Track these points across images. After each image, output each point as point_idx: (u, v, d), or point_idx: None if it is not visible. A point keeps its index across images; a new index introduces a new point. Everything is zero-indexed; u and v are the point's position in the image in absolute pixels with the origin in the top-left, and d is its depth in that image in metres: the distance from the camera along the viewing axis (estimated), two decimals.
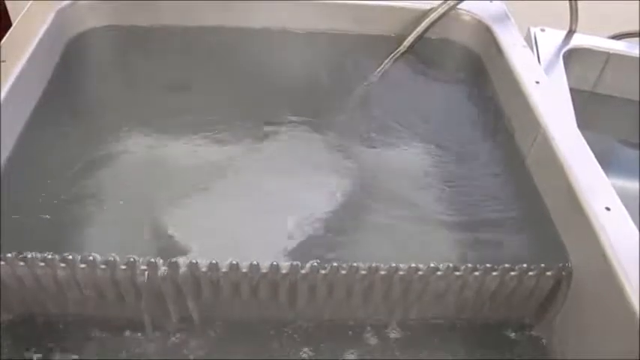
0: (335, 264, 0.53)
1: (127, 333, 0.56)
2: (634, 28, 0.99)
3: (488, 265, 0.54)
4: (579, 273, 0.54)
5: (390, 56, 0.82)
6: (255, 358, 0.56)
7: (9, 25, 0.72)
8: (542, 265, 0.55)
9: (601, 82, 0.96)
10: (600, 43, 0.95)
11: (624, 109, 0.95)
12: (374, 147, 0.68)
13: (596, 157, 0.60)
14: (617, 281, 0.49)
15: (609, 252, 0.50)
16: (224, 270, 0.52)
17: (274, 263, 0.52)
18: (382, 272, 0.53)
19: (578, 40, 0.94)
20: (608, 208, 0.54)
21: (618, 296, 0.49)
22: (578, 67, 0.93)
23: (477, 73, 0.82)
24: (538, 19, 0.97)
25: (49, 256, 0.51)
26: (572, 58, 0.92)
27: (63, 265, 0.51)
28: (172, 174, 0.62)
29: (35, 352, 0.54)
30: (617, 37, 0.99)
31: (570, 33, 0.95)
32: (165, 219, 0.56)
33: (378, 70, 0.81)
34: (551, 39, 0.93)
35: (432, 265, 0.54)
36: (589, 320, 0.53)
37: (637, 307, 0.47)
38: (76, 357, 0.54)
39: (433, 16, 0.82)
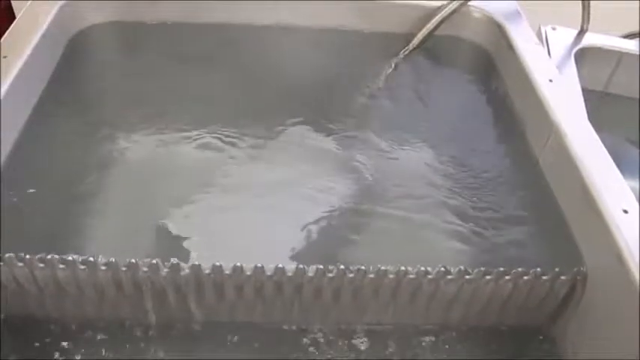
0: (342, 267, 0.51)
1: (128, 335, 0.55)
2: None
3: (500, 269, 0.53)
4: (595, 277, 0.53)
5: (400, 53, 0.81)
6: None
7: (13, 20, 0.71)
8: (557, 269, 0.53)
9: (613, 82, 0.95)
10: (612, 43, 0.94)
11: (636, 109, 0.93)
12: (382, 146, 0.66)
13: None
14: (633, 286, 0.47)
15: (626, 256, 0.49)
16: (227, 272, 0.51)
17: (279, 266, 0.51)
18: (391, 275, 0.52)
19: (590, 39, 0.93)
20: (625, 211, 0.52)
21: (634, 301, 0.47)
22: (590, 66, 0.92)
23: (488, 70, 0.80)
24: (549, 17, 0.95)
25: (49, 257, 0.50)
26: (584, 57, 0.91)
27: (63, 266, 0.50)
28: (175, 173, 0.61)
29: (34, 353, 0.53)
30: (630, 36, 0.98)
31: (582, 32, 0.94)
32: (167, 219, 0.55)
33: (388, 67, 0.79)
34: (562, 38, 0.92)
35: (442, 268, 0.52)
36: (604, 326, 0.51)
37: None
38: (77, 358, 0.53)
39: (444, 13, 0.81)
